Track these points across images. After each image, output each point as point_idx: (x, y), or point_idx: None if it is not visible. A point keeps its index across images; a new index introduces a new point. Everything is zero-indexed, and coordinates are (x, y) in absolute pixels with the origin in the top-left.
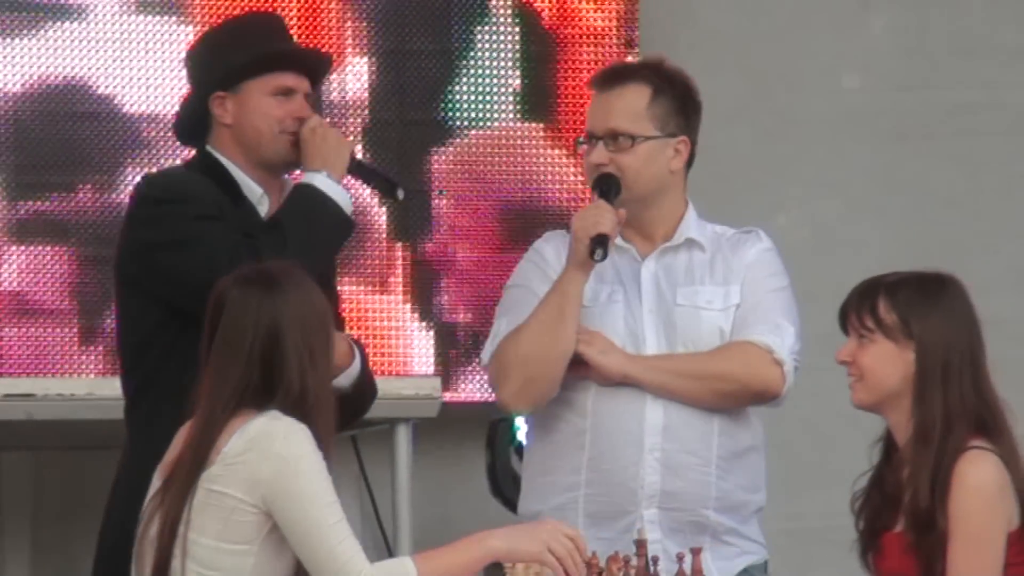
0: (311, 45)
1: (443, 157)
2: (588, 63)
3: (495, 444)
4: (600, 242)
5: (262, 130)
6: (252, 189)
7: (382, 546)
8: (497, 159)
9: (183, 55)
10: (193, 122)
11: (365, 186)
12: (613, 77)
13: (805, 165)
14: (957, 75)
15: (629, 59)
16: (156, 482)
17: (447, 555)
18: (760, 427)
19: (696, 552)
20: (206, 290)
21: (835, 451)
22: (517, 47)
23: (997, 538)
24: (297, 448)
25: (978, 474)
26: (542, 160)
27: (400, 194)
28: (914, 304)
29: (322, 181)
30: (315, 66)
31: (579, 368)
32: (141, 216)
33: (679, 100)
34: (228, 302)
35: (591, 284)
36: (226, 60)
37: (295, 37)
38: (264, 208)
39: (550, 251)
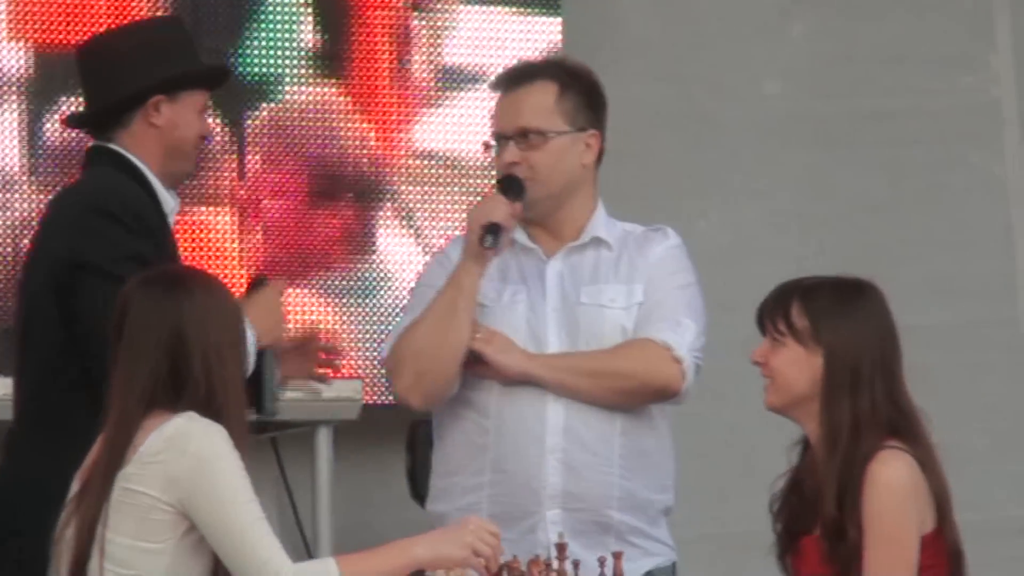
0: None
1: (248, 119)
2: (378, 25)
3: (415, 447)
4: (491, 230)
5: (188, 141)
6: (167, 199)
7: (302, 549)
8: (299, 120)
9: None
10: (108, 114)
11: None
12: (518, 76)
13: (728, 171)
14: (880, 83)
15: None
16: (75, 486)
17: (371, 560)
18: (666, 428)
19: (617, 556)
20: (98, 329)
21: (757, 456)
22: (310, 7)
23: (910, 538)
24: (214, 447)
25: (889, 473)
26: (339, 120)
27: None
28: (825, 310)
29: None
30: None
31: (479, 367)
32: (87, 227)
33: (586, 94)
34: (132, 303)
35: (494, 284)
36: (176, 65)
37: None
38: (172, 220)
39: (456, 253)
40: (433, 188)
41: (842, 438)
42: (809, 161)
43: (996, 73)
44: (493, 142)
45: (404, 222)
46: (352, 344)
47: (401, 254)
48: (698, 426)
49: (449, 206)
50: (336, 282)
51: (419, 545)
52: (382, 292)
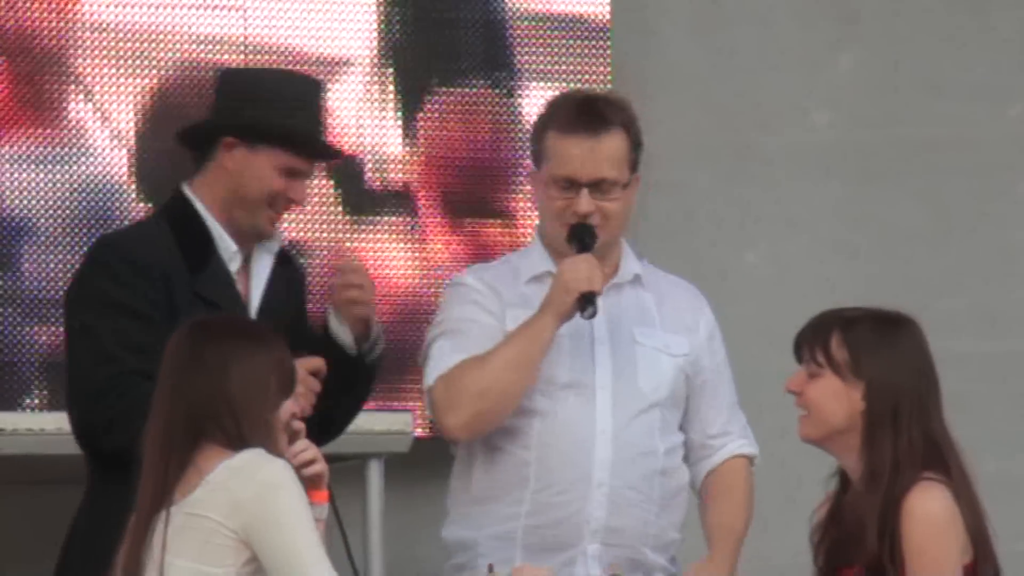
0: None
1: None
2: None
3: None
4: (591, 300)
5: (252, 194)
6: (227, 244)
7: None
8: None
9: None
10: (194, 142)
11: None
12: (597, 122)
13: (772, 203)
14: (924, 113)
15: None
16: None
17: None
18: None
19: None
20: (92, 390)
21: (802, 489)
22: None
23: (952, 570)
24: (280, 478)
25: (925, 504)
26: None
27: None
28: (866, 344)
29: None
30: (328, 155)
31: None
32: (84, 274)
33: (638, 138)
34: (178, 350)
35: (527, 311)
36: (257, 115)
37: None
38: (235, 266)
39: (477, 283)
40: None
41: (884, 475)
42: (852, 192)
43: None
44: (550, 182)
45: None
46: (403, 377)
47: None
48: None
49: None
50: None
51: None
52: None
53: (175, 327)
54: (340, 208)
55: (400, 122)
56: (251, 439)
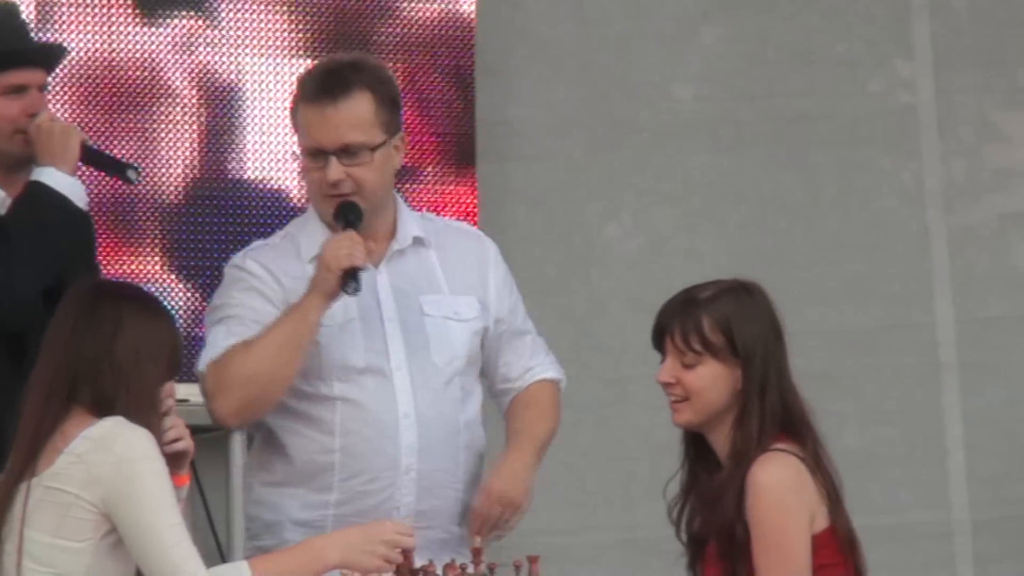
0: None
1: None
2: None
3: None
4: (354, 276)
5: None
6: None
7: (215, 553)
8: None
9: None
10: None
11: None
12: (335, 87)
13: (641, 174)
14: (794, 85)
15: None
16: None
17: (282, 561)
18: None
19: (533, 560)
20: None
21: (669, 460)
22: None
23: (795, 539)
24: (139, 451)
25: (767, 474)
26: None
27: (132, 175)
28: (737, 322)
29: (50, 176)
30: (47, 58)
31: None
32: None
33: (393, 97)
34: (62, 310)
35: None
36: None
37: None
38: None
39: (256, 268)
40: None
41: (751, 448)
42: (723, 164)
43: (906, 77)
44: (302, 154)
45: None
46: None
47: None
48: (609, 430)
49: None
50: None
51: (331, 547)
52: None
53: None
54: None
55: None
56: (127, 407)
